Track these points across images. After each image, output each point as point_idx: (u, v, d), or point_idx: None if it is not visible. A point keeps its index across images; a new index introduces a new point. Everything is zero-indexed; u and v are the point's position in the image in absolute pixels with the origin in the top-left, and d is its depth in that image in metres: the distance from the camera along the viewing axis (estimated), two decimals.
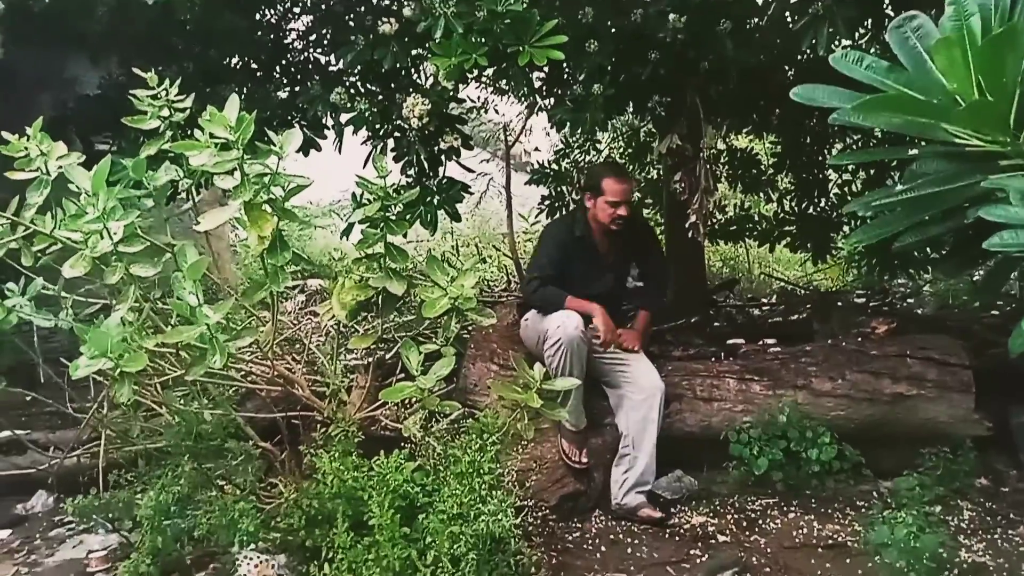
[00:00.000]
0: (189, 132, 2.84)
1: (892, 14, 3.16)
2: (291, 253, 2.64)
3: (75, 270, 2.48)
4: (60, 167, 2.57)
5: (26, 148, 2.59)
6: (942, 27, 1.97)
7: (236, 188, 2.46)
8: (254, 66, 4.81)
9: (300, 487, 2.96)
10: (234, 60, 4.84)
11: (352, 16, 4.35)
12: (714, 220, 6.13)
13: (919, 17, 2.07)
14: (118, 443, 3.37)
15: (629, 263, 3.76)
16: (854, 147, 5.14)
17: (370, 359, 3.59)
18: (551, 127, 5.90)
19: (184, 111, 2.91)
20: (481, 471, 2.64)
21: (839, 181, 5.70)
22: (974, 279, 5.09)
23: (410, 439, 2.97)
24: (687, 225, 3.85)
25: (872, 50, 3.86)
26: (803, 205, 5.71)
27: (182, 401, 3.03)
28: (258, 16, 4.80)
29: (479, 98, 6.51)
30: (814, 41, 2.92)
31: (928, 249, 3.43)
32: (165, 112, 2.87)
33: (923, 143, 2.07)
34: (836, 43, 3.08)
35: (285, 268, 2.66)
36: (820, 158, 5.54)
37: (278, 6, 4.86)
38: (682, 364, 3.74)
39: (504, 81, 4.28)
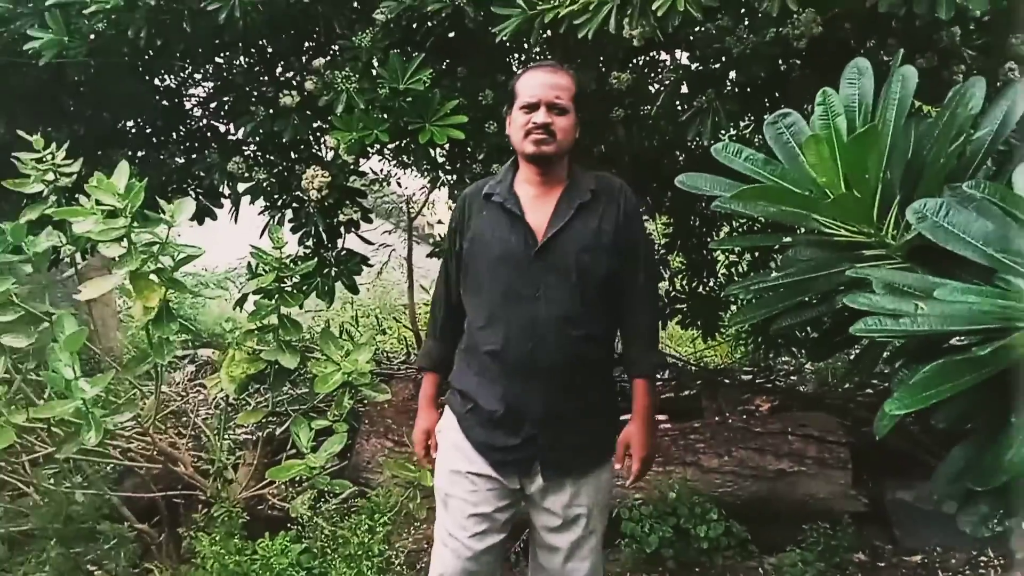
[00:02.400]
0: (76, 197, 2.76)
1: (771, 108, 3.39)
2: (178, 324, 2.56)
3: None
4: None
5: None
6: (812, 124, 2.12)
7: (122, 257, 2.39)
8: (150, 131, 4.71)
9: (177, 573, 2.80)
10: (129, 124, 4.74)
11: (253, 86, 4.34)
12: None
13: (792, 115, 2.21)
14: None
15: (593, 250, 2.11)
16: (738, 231, 5.40)
17: (259, 434, 3.48)
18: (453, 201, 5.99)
19: (71, 175, 2.82)
20: (371, 553, 2.57)
21: (726, 262, 5.95)
22: (851, 358, 5.38)
23: (298, 519, 2.87)
24: None
25: (756, 139, 4.11)
26: (693, 284, 5.92)
27: (52, 480, 2.86)
28: (156, 81, 4.73)
29: (381, 170, 6.55)
30: (700, 131, 3.10)
31: (808, 329, 3.60)
32: (50, 176, 2.77)
33: (798, 231, 2.20)
34: (723, 132, 3.25)
35: (172, 340, 2.58)
36: (708, 239, 5.78)
37: (178, 73, 4.80)
38: None
39: (406, 156, 4.32)
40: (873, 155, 1.86)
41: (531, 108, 2.10)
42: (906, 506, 3.67)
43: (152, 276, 2.45)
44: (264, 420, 3.26)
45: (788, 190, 2.02)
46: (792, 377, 6.56)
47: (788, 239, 2.18)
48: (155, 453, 2.96)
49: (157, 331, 2.50)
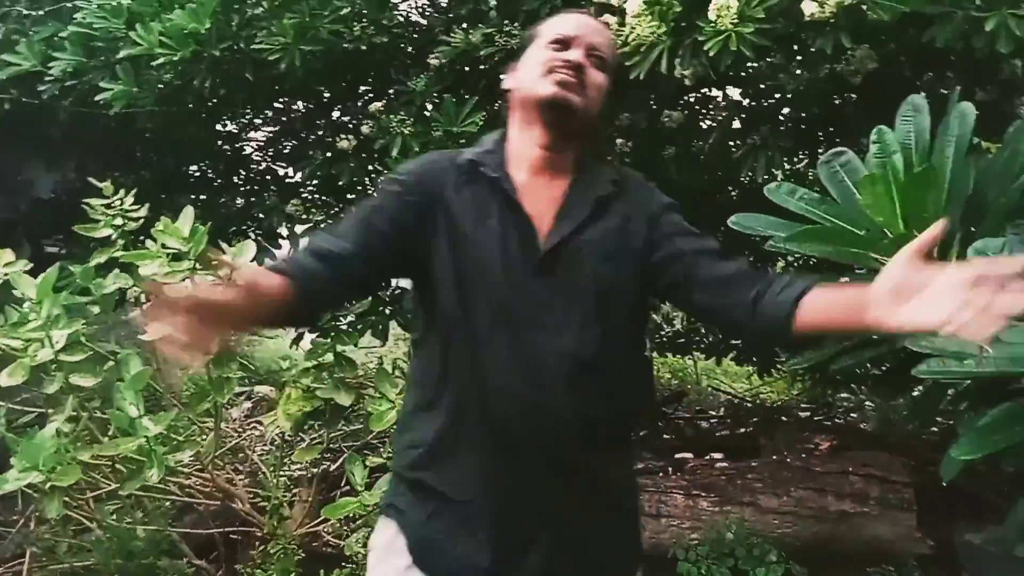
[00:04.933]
0: (142, 239, 2.85)
1: (826, 145, 3.36)
2: (237, 363, 2.62)
3: (12, 379, 2.42)
4: (5, 274, 2.55)
5: None
6: (867, 163, 2.10)
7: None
8: (212, 175, 4.87)
9: None
10: (193, 169, 4.91)
11: (311, 131, 4.46)
12: (662, 333, 6.27)
13: (846, 153, 2.20)
14: (43, 561, 3.21)
15: (619, 261, 1.46)
16: (795, 266, 5.34)
17: (315, 471, 3.52)
18: None
19: (138, 220, 2.92)
20: None
21: None
22: (914, 396, 5.24)
23: (352, 557, 2.88)
24: None
25: (811, 176, 4.08)
26: None
27: (114, 516, 2.92)
28: (219, 127, 4.89)
29: None
30: (753, 168, 3.08)
31: (868, 365, 3.52)
32: (118, 221, 2.88)
33: (856, 269, 2.17)
34: (776, 169, 3.23)
35: (231, 378, 2.63)
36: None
37: (240, 118, 4.96)
38: None
39: None
40: (932, 194, 1.84)
41: (563, 45, 1.47)
42: (975, 549, 3.52)
43: None
44: (319, 457, 3.29)
45: (844, 230, 2.01)
46: (852, 414, 6.40)
47: (846, 279, 2.15)
48: (213, 490, 3.01)
49: (217, 370, 2.56)
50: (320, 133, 4.34)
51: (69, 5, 3.40)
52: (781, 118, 3.34)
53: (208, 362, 2.52)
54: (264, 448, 4.25)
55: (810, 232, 1.96)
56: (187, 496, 3.12)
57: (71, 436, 2.48)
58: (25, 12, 3.57)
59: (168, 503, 3.12)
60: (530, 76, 1.46)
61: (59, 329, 2.44)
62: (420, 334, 1.49)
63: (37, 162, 5.42)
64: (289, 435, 3.54)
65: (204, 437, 3.01)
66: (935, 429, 4.99)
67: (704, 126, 3.96)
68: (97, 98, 3.36)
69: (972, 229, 1.96)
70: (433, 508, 1.41)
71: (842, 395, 6.30)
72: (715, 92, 4.00)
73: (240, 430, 4.56)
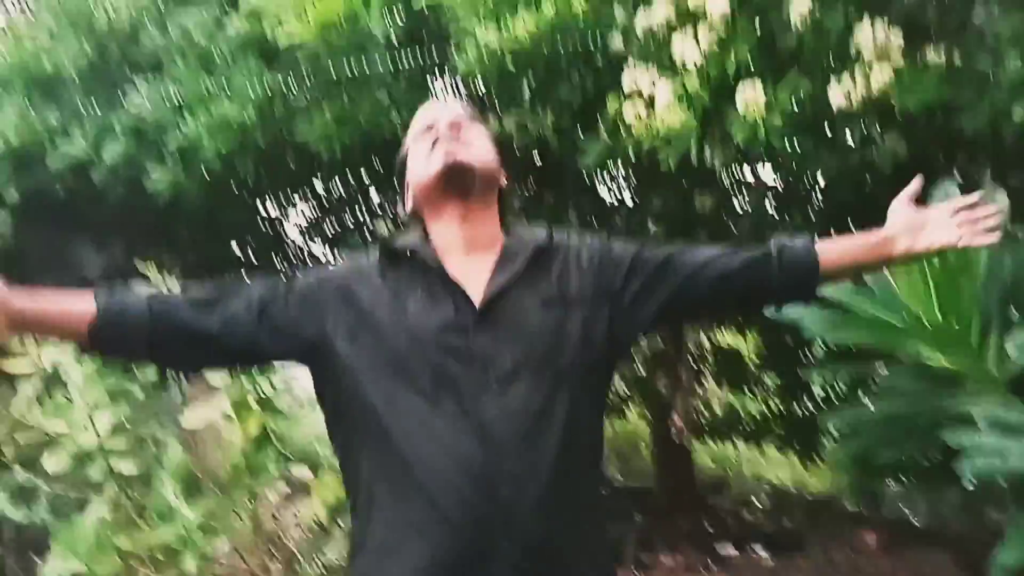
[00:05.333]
0: None
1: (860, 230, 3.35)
2: (274, 451, 2.64)
3: (56, 464, 2.46)
4: (54, 360, 2.62)
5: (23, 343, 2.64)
6: None
7: (226, 386, 2.50)
8: (253, 257, 4.99)
9: None
10: (235, 250, 5.05)
11: (349, 213, 4.58)
12: (702, 418, 6.16)
13: None
14: None
15: (560, 305, 1.36)
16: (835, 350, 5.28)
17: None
18: None
19: None
20: None
21: (822, 382, 5.74)
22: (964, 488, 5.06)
23: None
24: (671, 429, 3.86)
25: None
26: (789, 405, 5.72)
27: None
28: (260, 209, 5.04)
29: None
30: None
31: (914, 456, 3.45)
32: None
33: (894, 358, 2.15)
34: None
35: (268, 465, 2.65)
36: (804, 357, 5.61)
37: (279, 199, 5.11)
38: (672, 574, 3.64)
39: None
40: (967, 284, 1.83)
41: (430, 129, 1.44)
42: None
43: (253, 404, 2.54)
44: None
45: (879, 320, 2.00)
46: (901, 505, 6.19)
47: (883, 371, 2.13)
48: None
49: (255, 457, 2.57)
50: (358, 216, 4.45)
51: (121, 97, 3.55)
52: (813, 204, 3.35)
53: (246, 447, 2.54)
54: (300, 535, 4.22)
55: (845, 320, 1.96)
56: None
57: (110, 523, 2.49)
58: (80, 102, 3.73)
59: None
60: (418, 169, 1.42)
61: (102, 412, 2.49)
62: (348, 442, 1.37)
63: (86, 243, 5.62)
64: (325, 522, 3.52)
65: (241, 524, 3.00)
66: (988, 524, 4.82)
67: (738, 207, 3.99)
68: (146, 184, 3.49)
69: (1011, 319, 1.94)
70: None
71: (890, 485, 6.12)
72: (747, 175, 4.04)
73: (276, 516, 4.54)
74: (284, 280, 1.40)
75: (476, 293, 1.33)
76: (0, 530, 3.57)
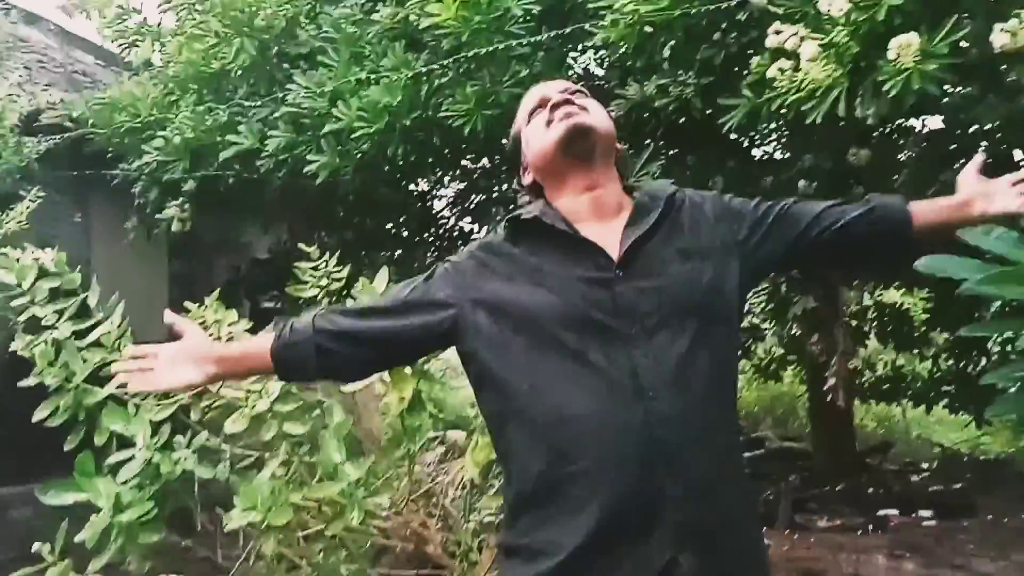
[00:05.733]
0: (345, 294, 3.11)
1: None
2: (428, 413, 2.78)
3: (235, 426, 2.70)
4: (230, 334, 2.86)
5: (203, 317, 2.89)
6: None
7: None
8: (405, 233, 5.21)
9: None
10: (388, 226, 5.29)
11: (495, 186, 4.68)
12: (863, 379, 5.92)
13: None
14: None
15: (694, 257, 1.43)
16: (1008, 307, 4.93)
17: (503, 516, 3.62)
18: None
19: (341, 280, 3.18)
20: None
21: (999, 339, 5.40)
22: None
23: None
24: (825, 388, 3.75)
25: None
26: (962, 364, 5.42)
27: (321, 555, 3.15)
28: (411, 187, 5.23)
29: None
30: None
31: None
32: (323, 281, 3.15)
33: None
34: None
35: (422, 427, 2.79)
36: (976, 314, 5.28)
37: (429, 177, 5.29)
38: (827, 536, 3.56)
39: None
40: None
41: (544, 104, 1.50)
42: None
43: (406, 369, 2.69)
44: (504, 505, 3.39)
45: None
46: None
47: None
48: (408, 533, 3.18)
49: (410, 419, 2.73)
50: (503, 188, 4.54)
51: (281, 89, 3.78)
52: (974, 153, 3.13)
53: (401, 412, 2.69)
54: (455, 493, 4.42)
55: (1004, 275, 1.83)
56: (384, 538, 3.31)
57: (284, 479, 2.72)
58: (245, 97, 4.02)
59: (368, 544, 3.32)
60: (539, 141, 1.48)
61: (272, 380, 2.70)
62: (499, 410, 1.42)
63: (254, 226, 6.04)
64: (478, 481, 3.67)
65: (399, 482, 3.18)
66: None
67: (901, 159, 3.78)
68: (305, 169, 3.71)
69: None
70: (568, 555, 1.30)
71: None
72: (912, 122, 3.81)
73: (432, 475, 4.77)
74: (426, 275, 1.51)
75: (612, 250, 1.39)
76: (193, 486, 3.95)
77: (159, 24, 4.52)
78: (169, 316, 1.61)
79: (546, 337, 1.34)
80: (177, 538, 4.00)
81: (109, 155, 4.56)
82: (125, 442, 2.85)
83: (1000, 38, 2.25)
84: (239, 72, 3.97)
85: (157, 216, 4.64)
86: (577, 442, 1.30)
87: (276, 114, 3.77)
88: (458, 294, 1.43)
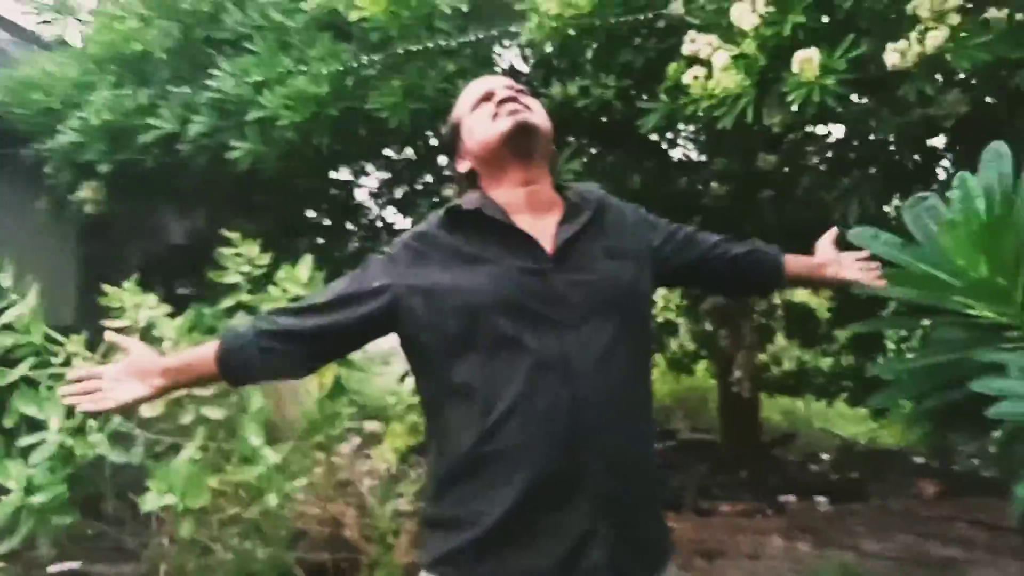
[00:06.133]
0: (265, 282, 3.12)
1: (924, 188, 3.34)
2: (348, 399, 2.83)
3: (152, 410, 2.70)
4: (149, 317, 2.85)
5: (121, 300, 2.88)
6: (950, 208, 2.13)
7: None
8: (328, 222, 5.20)
9: None
10: (310, 215, 5.27)
11: (419, 179, 4.72)
12: (770, 374, 6.21)
13: (930, 198, 2.23)
14: None
15: (619, 258, 1.55)
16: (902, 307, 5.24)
17: (420, 504, 3.68)
18: None
19: (262, 267, 3.19)
20: None
21: (895, 337, 5.72)
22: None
23: None
24: (731, 380, 3.94)
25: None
26: (860, 360, 5.72)
27: (236, 539, 3.16)
28: (333, 174, 5.22)
29: None
30: (845, 212, 3.11)
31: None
32: (245, 268, 3.15)
33: (939, 313, 2.19)
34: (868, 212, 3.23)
35: (342, 413, 2.85)
36: (875, 314, 5.58)
37: (352, 165, 5.29)
38: (729, 519, 3.75)
39: None
40: (1008, 238, 1.86)
41: (488, 97, 1.59)
42: None
43: None
44: (422, 491, 3.46)
45: (925, 274, 2.04)
46: (974, 460, 6.13)
47: (927, 322, 2.17)
48: (325, 518, 3.23)
49: (330, 405, 2.77)
50: (428, 181, 4.59)
51: (204, 75, 3.74)
52: (873, 162, 3.34)
53: (322, 398, 2.74)
54: (372, 482, 4.47)
55: (891, 275, 2.00)
56: (302, 523, 3.34)
57: (201, 463, 2.73)
58: (167, 80, 3.95)
59: (284, 530, 3.35)
60: (483, 132, 1.56)
61: None
62: (435, 391, 1.51)
63: (171, 211, 5.92)
64: (395, 469, 3.73)
65: (318, 468, 3.22)
66: None
67: (806, 164, 3.98)
68: (227, 155, 3.69)
69: None
70: (492, 525, 1.39)
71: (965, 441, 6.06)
72: (821, 130, 4.00)
73: (350, 465, 4.80)
74: (360, 267, 1.56)
75: (546, 243, 1.49)
76: (104, 471, 3.89)
77: (78, 2, 4.40)
78: (111, 335, 1.66)
79: (482, 322, 1.41)
80: (88, 522, 3.94)
81: (21, 134, 4.42)
82: (36, 425, 2.81)
83: (892, 57, 2.43)
84: (162, 55, 3.90)
85: (69, 197, 4.53)
86: (509, 420, 1.39)
87: (199, 99, 3.73)
88: (394, 281, 1.49)
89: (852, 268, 1.87)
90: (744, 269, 1.74)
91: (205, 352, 1.55)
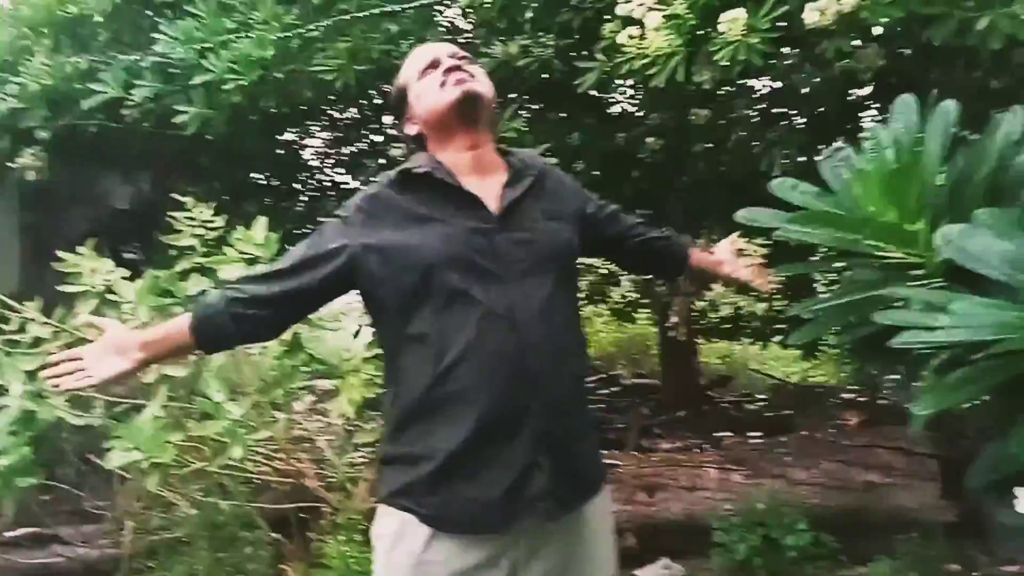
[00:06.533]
0: (218, 244, 3.18)
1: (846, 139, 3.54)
2: (305, 355, 2.94)
3: None
4: (108, 281, 2.90)
5: (77, 265, 2.92)
6: (862, 158, 2.31)
7: None
8: (276, 183, 5.23)
9: (308, 573, 3.16)
10: (258, 177, 5.29)
11: (364, 139, 4.79)
12: (708, 321, 6.47)
13: (845, 149, 2.40)
14: (140, 534, 3.59)
15: (558, 219, 1.72)
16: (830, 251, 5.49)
17: (376, 455, 3.82)
18: None
19: (216, 230, 3.25)
20: None
21: (825, 280, 6.00)
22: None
23: None
24: (666, 325, 4.14)
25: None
26: (792, 304, 5.98)
27: (201, 493, 3.27)
28: (279, 136, 5.25)
29: None
30: (771, 163, 3.29)
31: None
32: (199, 231, 3.21)
33: (854, 256, 2.39)
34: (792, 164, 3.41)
35: (299, 368, 2.95)
36: (806, 260, 5.83)
37: (297, 127, 5.31)
38: (669, 456, 3.98)
39: None
40: (913, 184, 2.05)
41: (434, 65, 1.69)
42: (1011, 530, 3.67)
43: None
44: (379, 440, 3.59)
45: (838, 215, 2.22)
46: (901, 393, 6.51)
47: (842, 264, 2.36)
48: (286, 471, 3.35)
49: (289, 360, 2.88)
50: (374, 140, 4.66)
51: (146, 39, 3.73)
52: (798, 115, 3.53)
53: (281, 353, 2.84)
54: (329, 438, 4.59)
55: (807, 216, 2.17)
56: (264, 476, 3.46)
57: (164, 421, 2.82)
58: (107, 45, 3.93)
59: (247, 483, 3.47)
60: (431, 99, 1.68)
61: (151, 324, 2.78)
62: (393, 340, 1.65)
63: (115, 176, 5.87)
64: (350, 425, 3.86)
65: (277, 424, 3.32)
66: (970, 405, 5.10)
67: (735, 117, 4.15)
68: (174, 120, 3.71)
69: (959, 212, 2.15)
70: (442, 461, 1.55)
71: (891, 376, 6.42)
72: (750, 82, 4.17)
73: (306, 420, 4.91)
74: (316, 231, 1.68)
75: (491, 203, 1.63)
76: (62, 433, 3.94)
77: None
78: (85, 318, 1.82)
79: (435, 277, 1.55)
80: (49, 485, 4.00)
81: None
82: None
83: (811, 16, 2.58)
84: (99, 19, 3.87)
85: (9, 164, 4.48)
86: (460, 365, 1.54)
87: (143, 63, 3.72)
88: (350, 242, 1.61)
89: (746, 270, 2.12)
90: (654, 253, 2.00)
91: (179, 324, 1.67)
